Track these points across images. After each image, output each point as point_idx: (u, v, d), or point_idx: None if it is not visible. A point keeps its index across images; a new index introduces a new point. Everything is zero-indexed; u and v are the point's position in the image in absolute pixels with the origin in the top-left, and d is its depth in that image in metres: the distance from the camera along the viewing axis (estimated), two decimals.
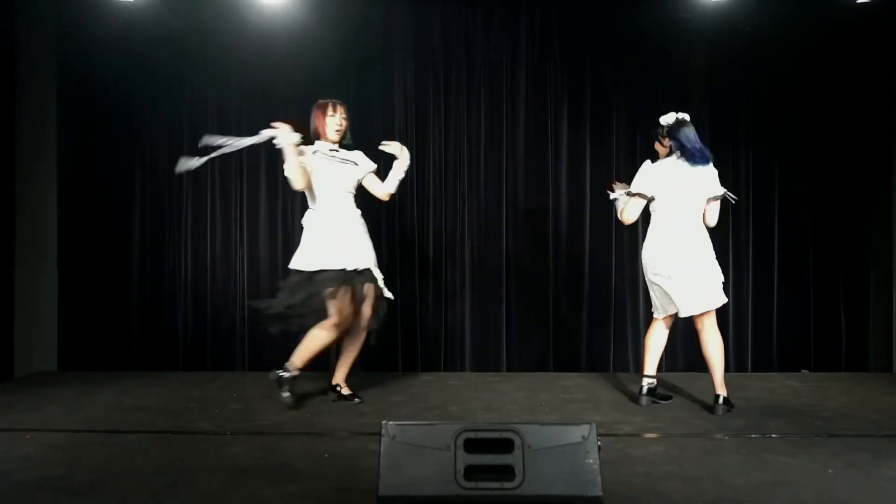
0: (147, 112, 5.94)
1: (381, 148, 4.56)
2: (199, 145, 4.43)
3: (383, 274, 4.57)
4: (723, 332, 5.78)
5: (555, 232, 5.91)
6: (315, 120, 4.48)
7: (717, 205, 4.39)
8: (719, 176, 4.42)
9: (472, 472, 2.63)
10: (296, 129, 4.38)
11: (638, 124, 5.71)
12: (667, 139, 4.44)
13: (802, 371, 5.74)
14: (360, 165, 4.56)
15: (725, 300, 4.39)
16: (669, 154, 4.43)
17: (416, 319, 5.86)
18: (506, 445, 2.66)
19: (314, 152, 4.44)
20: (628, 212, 4.48)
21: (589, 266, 5.89)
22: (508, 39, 5.92)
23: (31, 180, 5.70)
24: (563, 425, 2.74)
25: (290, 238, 5.95)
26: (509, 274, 5.90)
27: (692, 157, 4.33)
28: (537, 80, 5.92)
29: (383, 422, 2.71)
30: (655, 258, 4.41)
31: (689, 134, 4.34)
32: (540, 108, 5.93)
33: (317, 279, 4.32)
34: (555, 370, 5.79)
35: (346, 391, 4.60)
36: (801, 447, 3.62)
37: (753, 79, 5.86)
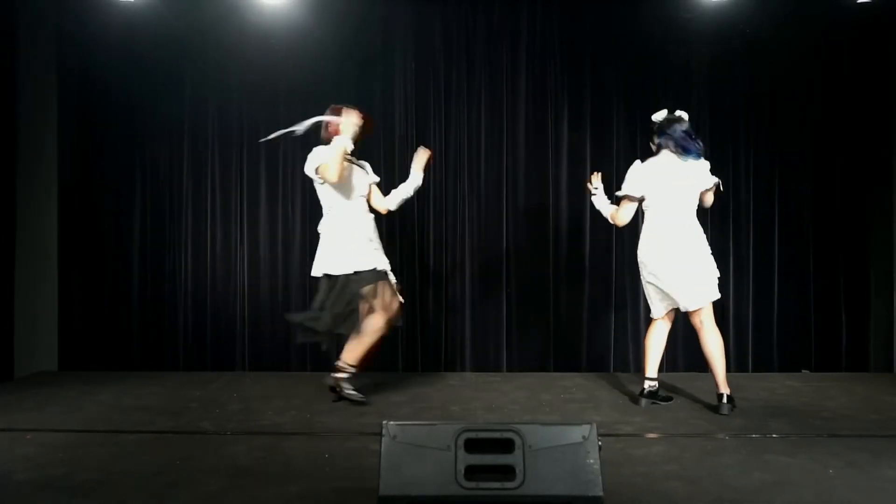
0: (147, 112, 5.94)
1: (417, 160, 4.62)
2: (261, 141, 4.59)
3: None
4: (723, 332, 5.77)
5: (555, 232, 5.91)
6: (331, 124, 4.46)
7: (710, 194, 4.42)
8: (718, 173, 4.43)
9: (472, 472, 2.63)
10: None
11: (638, 124, 5.71)
12: (656, 137, 4.46)
13: (803, 371, 5.74)
14: (369, 174, 4.62)
15: (718, 295, 4.38)
16: (658, 152, 4.43)
17: (417, 319, 5.86)
18: (506, 445, 2.66)
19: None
20: (621, 215, 4.50)
21: (589, 266, 5.89)
22: (509, 39, 5.92)
23: (31, 180, 5.69)
24: (563, 425, 2.74)
25: (290, 238, 5.96)
26: (510, 274, 5.90)
27: (681, 152, 4.33)
28: (537, 79, 5.92)
29: (384, 422, 2.71)
30: (650, 258, 4.41)
31: (679, 129, 4.35)
32: (540, 108, 5.93)
33: (353, 280, 4.35)
34: (555, 370, 5.79)
35: (350, 390, 4.57)
36: (801, 447, 3.62)
37: (753, 79, 5.86)
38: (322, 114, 4.47)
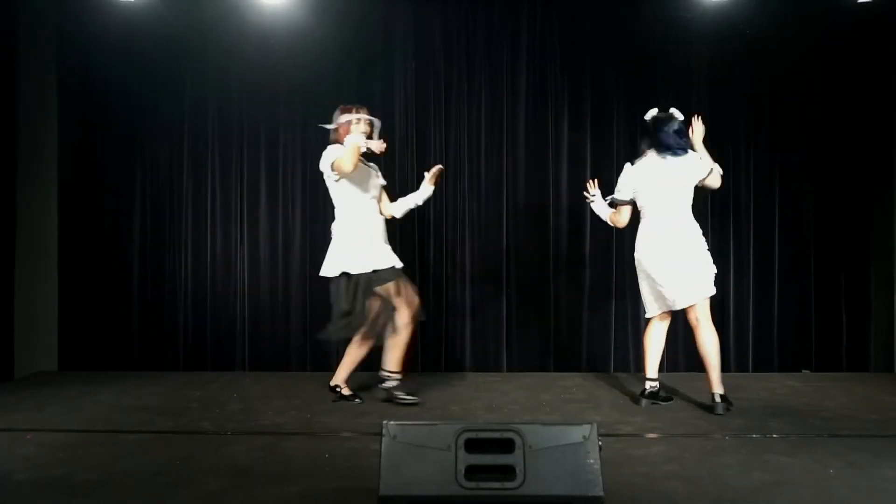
0: (147, 112, 5.94)
1: (430, 174, 4.66)
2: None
3: None
4: (723, 332, 5.81)
5: (555, 232, 5.91)
6: (341, 125, 4.45)
7: (715, 176, 4.40)
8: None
9: (472, 472, 2.63)
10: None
11: (638, 124, 5.67)
12: (644, 137, 4.49)
13: (803, 371, 5.74)
14: (379, 177, 4.63)
15: (713, 292, 4.36)
16: (645, 153, 4.45)
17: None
18: (507, 445, 2.66)
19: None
20: (619, 218, 4.58)
21: (589, 266, 5.89)
22: (509, 39, 5.92)
23: (31, 180, 5.69)
24: (564, 425, 2.73)
25: (290, 238, 5.96)
26: (510, 274, 5.90)
27: (661, 150, 4.34)
28: (537, 79, 5.92)
29: (384, 421, 2.71)
30: (644, 257, 4.43)
31: (663, 127, 4.37)
32: (540, 108, 5.93)
33: (373, 279, 4.36)
34: (555, 370, 5.79)
35: (346, 391, 4.60)
36: (801, 447, 3.62)
37: (753, 79, 5.86)
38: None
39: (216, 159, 5.98)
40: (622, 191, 4.52)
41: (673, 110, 4.43)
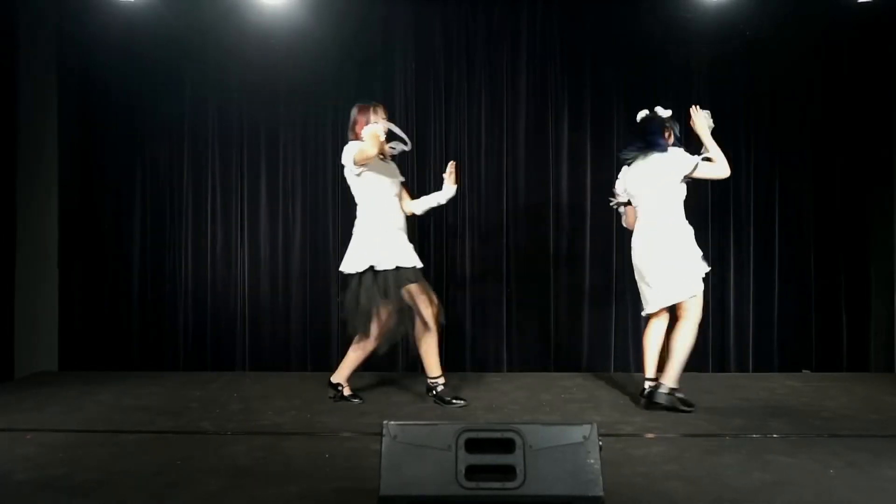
0: (147, 112, 5.94)
1: (448, 174, 4.67)
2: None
3: None
4: (723, 331, 5.83)
5: (555, 232, 5.91)
6: (359, 122, 4.46)
7: (704, 168, 4.36)
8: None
9: (473, 472, 2.62)
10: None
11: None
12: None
13: (803, 371, 5.74)
14: (397, 174, 4.63)
15: (693, 294, 4.32)
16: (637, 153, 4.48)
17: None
18: (507, 445, 2.66)
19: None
20: (627, 219, 4.64)
21: (590, 266, 5.89)
22: (509, 39, 5.92)
23: (31, 180, 5.69)
24: (564, 425, 2.73)
25: (290, 238, 5.96)
26: (510, 274, 5.90)
27: (646, 149, 4.37)
28: (538, 79, 5.92)
29: (384, 421, 2.70)
30: (638, 256, 4.47)
31: (645, 126, 4.41)
32: (540, 108, 5.93)
33: (396, 277, 4.36)
34: (555, 370, 5.79)
35: (347, 391, 4.60)
36: (801, 447, 3.62)
37: (753, 79, 5.85)
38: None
39: (216, 159, 5.98)
40: (619, 193, 4.62)
41: (657, 108, 4.45)
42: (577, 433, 2.67)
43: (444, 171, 4.74)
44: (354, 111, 4.50)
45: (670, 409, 4.29)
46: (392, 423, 2.70)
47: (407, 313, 4.43)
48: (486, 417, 4.24)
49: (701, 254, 4.39)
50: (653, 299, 4.43)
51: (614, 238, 5.77)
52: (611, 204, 4.72)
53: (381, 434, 2.68)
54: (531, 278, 5.89)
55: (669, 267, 4.31)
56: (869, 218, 5.88)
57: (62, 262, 5.77)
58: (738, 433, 3.89)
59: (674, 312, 4.48)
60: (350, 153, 4.40)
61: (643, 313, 4.56)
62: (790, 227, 5.90)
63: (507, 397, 4.78)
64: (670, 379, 4.33)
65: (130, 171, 5.96)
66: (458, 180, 4.73)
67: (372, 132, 4.29)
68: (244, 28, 5.74)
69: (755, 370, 5.79)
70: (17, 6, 5.64)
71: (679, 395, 4.34)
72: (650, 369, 4.50)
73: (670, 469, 3.30)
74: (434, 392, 4.53)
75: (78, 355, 5.82)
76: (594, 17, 5.89)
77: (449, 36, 5.94)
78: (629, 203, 4.58)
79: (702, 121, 4.43)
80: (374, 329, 4.47)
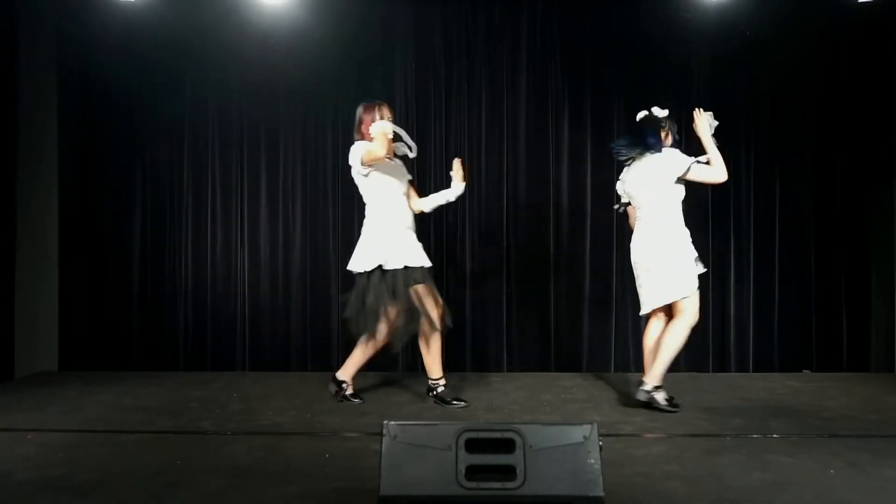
0: (147, 112, 5.95)
1: (455, 172, 4.66)
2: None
3: None
4: (723, 332, 5.83)
5: (555, 232, 5.91)
6: (364, 122, 4.45)
7: (699, 171, 4.34)
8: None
9: (473, 472, 2.62)
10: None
11: None
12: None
13: (804, 371, 5.73)
14: (405, 172, 4.62)
15: (685, 295, 4.29)
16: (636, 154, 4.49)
17: None
18: (507, 445, 2.65)
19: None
20: (631, 220, 4.63)
21: (590, 266, 5.89)
22: (509, 39, 5.92)
23: (31, 180, 5.69)
24: (564, 425, 2.73)
25: (290, 238, 5.96)
26: (510, 274, 5.90)
27: (642, 150, 4.36)
28: (538, 80, 5.92)
29: (385, 421, 2.70)
30: (636, 256, 4.47)
31: (642, 127, 4.41)
32: (540, 108, 5.93)
33: (404, 275, 4.35)
34: (555, 370, 5.79)
35: (350, 390, 4.59)
36: (801, 447, 3.62)
37: (753, 79, 5.85)
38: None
39: (216, 159, 5.98)
40: (619, 194, 4.63)
41: (654, 108, 4.45)
42: (578, 433, 2.67)
43: (451, 170, 4.72)
44: (360, 110, 4.48)
45: (648, 406, 4.28)
46: (392, 423, 2.70)
47: (416, 312, 4.41)
48: (486, 417, 4.24)
49: (696, 255, 4.39)
50: (647, 300, 4.44)
51: (614, 238, 5.78)
52: (616, 208, 4.72)
53: (381, 434, 2.68)
54: (531, 278, 5.89)
55: (666, 267, 4.31)
56: (869, 218, 5.87)
57: (62, 262, 5.76)
58: (739, 433, 3.89)
59: (672, 313, 4.48)
60: (357, 153, 4.39)
61: (640, 313, 4.56)
62: (790, 227, 5.90)
63: (507, 397, 4.78)
64: (653, 377, 4.32)
65: (130, 171, 5.96)
66: (466, 177, 4.73)
67: (381, 130, 4.27)
68: (244, 28, 5.74)
69: (755, 370, 5.79)
70: (17, 6, 5.64)
71: (662, 394, 4.32)
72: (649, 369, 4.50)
73: (670, 469, 3.30)
74: (435, 393, 4.53)
75: (78, 355, 5.82)
76: (594, 17, 5.89)
77: (449, 36, 5.94)
78: (627, 203, 4.60)
79: (704, 123, 4.41)
80: (382, 328, 4.45)
